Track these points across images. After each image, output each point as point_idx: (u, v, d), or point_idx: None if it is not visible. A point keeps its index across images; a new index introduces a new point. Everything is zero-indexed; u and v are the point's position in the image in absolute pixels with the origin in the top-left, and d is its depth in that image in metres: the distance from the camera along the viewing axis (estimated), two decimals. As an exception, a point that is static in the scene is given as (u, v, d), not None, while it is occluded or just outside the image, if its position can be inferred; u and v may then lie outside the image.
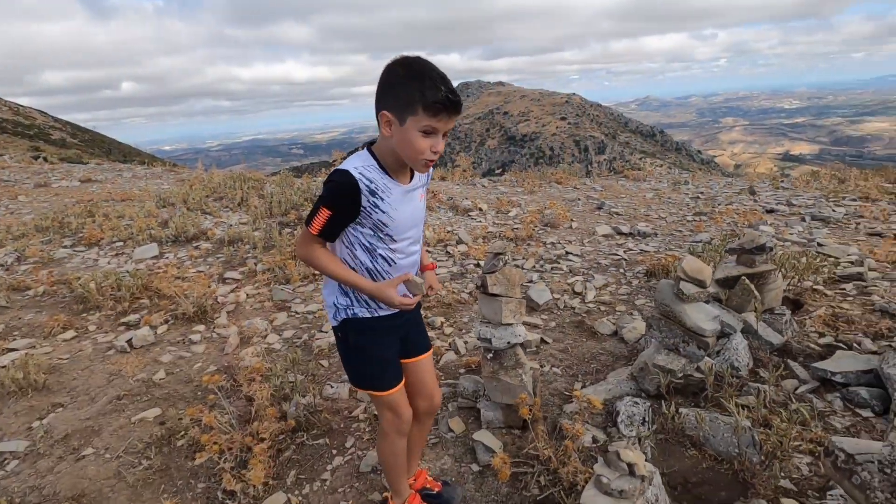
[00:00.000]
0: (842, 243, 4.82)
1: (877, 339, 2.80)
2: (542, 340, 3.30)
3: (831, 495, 1.44)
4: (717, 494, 1.84)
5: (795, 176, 10.20)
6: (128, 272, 4.36)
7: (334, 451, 2.37)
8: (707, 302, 2.68)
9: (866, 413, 2.20)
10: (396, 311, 1.63)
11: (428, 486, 2.01)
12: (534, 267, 4.71)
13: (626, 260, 4.77)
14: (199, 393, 2.87)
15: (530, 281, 4.37)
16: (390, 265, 1.57)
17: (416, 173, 1.55)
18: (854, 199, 6.94)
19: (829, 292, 3.59)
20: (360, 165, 1.45)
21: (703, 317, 2.29)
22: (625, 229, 5.76)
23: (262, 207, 6.29)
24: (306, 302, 4.06)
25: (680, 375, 2.35)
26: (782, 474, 1.85)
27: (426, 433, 2.02)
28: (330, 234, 1.48)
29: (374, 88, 1.41)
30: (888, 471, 1.19)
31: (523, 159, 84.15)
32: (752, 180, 9.97)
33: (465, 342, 3.34)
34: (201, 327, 3.68)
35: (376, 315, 1.62)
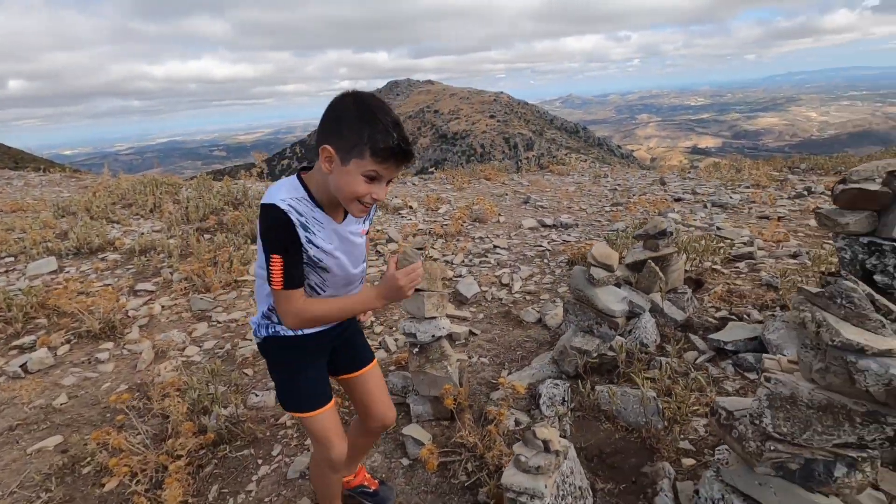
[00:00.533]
0: (736, 226, 5.33)
1: (763, 309, 3.14)
2: (471, 332, 3.38)
3: (719, 450, 1.61)
4: (627, 461, 1.98)
5: (701, 167, 11.14)
6: (20, 290, 3.94)
7: (260, 461, 2.29)
8: (618, 285, 2.87)
9: (752, 376, 2.46)
10: (322, 329, 1.55)
11: (366, 483, 2.00)
12: (463, 262, 4.80)
13: (549, 250, 4.99)
14: (108, 415, 2.66)
15: (459, 275, 4.45)
16: (322, 291, 1.47)
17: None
18: (748, 187, 7.69)
19: (725, 271, 3.97)
20: (287, 198, 1.31)
21: (612, 299, 2.45)
22: (549, 221, 6.01)
23: (178, 213, 5.92)
24: (228, 310, 3.88)
25: (595, 355, 2.51)
26: (682, 437, 2.03)
27: (373, 444, 1.96)
28: (294, 279, 1.32)
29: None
30: (757, 422, 1.35)
31: (455, 157, 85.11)
32: (663, 172, 10.77)
33: (396, 339, 3.35)
34: (109, 345, 3.41)
35: (300, 334, 1.51)
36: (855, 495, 1.32)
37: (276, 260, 1.28)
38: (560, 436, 2.09)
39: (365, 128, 1.24)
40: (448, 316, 3.68)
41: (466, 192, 8.51)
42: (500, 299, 3.91)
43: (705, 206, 6.58)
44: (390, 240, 5.46)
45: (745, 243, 4.62)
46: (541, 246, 5.14)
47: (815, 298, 1.25)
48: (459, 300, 3.93)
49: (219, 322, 3.71)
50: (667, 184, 8.58)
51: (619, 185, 8.83)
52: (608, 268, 2.43)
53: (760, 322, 2.91)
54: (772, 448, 1.33)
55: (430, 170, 12.04)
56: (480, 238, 5.52)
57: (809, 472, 1.33)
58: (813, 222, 5.33)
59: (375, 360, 1.77)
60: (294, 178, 1.38)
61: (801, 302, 1.28)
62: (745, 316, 3.05)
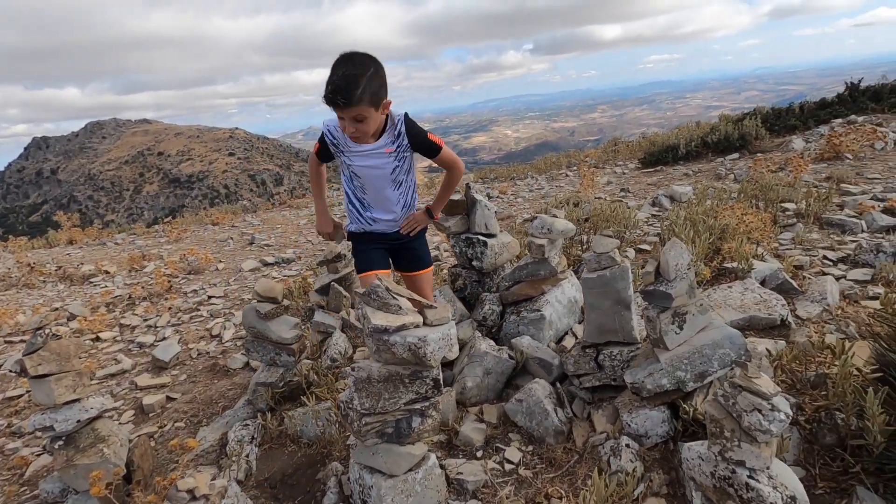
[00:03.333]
0: (434, 234, 6.30)
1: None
2: (168, 398, 3.11)
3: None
4: (306, 474, 2.15)
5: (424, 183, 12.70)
6: None
7: None
8: (313, 311, 3.06)
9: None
10: (374, 231, 2.26)
11: None
12: (169, 322, 4.37)
13: (268, 289, 4.97)
14: None
15: (163, 338, 4.04)
16: (365, 193, 2.18)
17: (384, 136, 2.03)
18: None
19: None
20: (330, 124, 2.06)
21: (284, 328, 2.61)
22: (270, 260, 5.98)
23: None
24: None
25: (281, 385, 2.63)
26: (347, 435, 2.31)
27: None
28: (323, 158, 2.20)
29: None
30: (351, 405, 1.65)
31: (196, 202, 76.28)
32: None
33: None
34: None
35: (362, 231, 2.29)
36: (430, 437, 1.73)
37: (317, 144, 2.16)
38: (243, 474, 2.13)
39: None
40: (143, 387, 3.31)
41: (184, 242, 7.76)
42: (208, 352, 3.71)
43: (414, 221, 7.56)
44: (72, 316, 4.57)
45: (436, 247, 5.51)
46: (260, 286, 5.07)
47: (362, 297, 1.61)
48: (158, 366, 3.56)
49: None
50: (388, 204, 9.52)
51: (347, 211, 9.38)
52: (273, 300, 2.58)
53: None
54: (365, 423, 1.65)
55: (167, 219, 10.60)
56: (194, 291, 5.12)
57: (399, 430, 1.69)
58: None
59: (431, 268, 2.44)
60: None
61: (358, 302, 1.62)
62: (422, 311, 3.64)
